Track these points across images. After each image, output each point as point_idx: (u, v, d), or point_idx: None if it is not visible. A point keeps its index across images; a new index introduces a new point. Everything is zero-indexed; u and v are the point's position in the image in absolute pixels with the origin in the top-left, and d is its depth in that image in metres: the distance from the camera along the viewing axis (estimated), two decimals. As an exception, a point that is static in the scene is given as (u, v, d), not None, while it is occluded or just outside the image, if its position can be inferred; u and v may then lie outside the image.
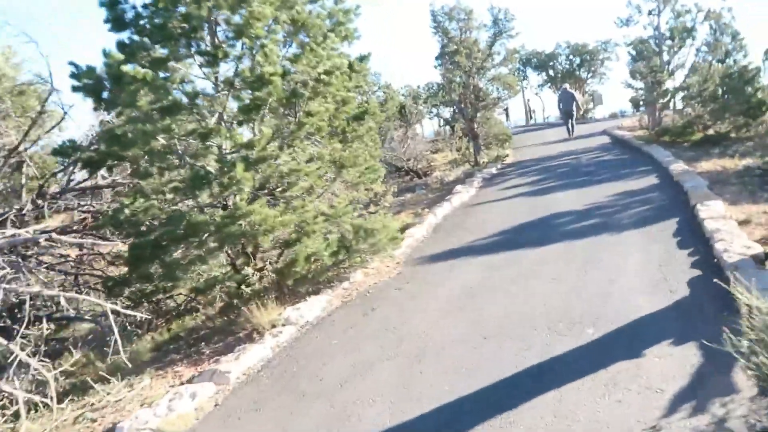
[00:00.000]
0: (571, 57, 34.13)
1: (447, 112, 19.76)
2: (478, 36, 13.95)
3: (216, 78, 5.76)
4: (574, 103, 17.73)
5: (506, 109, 25.87)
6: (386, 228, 5.88)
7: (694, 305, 4.07)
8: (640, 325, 3.88)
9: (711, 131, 12.96)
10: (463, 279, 5.62)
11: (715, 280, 3.46)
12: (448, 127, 21.02)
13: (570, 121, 17.84)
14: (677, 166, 9.46)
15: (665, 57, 13.83)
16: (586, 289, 4.77)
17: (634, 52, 29.28)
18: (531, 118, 34.00)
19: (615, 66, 34.50)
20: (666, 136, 13.36)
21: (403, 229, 8.55)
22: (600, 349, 3.64)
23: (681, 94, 13.16)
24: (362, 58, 6.32)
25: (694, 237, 5.71)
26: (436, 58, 14.38)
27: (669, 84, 14.00)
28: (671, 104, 14.52)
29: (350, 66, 6.12)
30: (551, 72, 35.11)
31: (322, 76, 5.18)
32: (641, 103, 28.71)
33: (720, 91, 12.69)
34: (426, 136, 25.83)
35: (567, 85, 19.51)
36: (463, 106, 14.50)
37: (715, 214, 6.08)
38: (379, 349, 4.22)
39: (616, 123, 21.56)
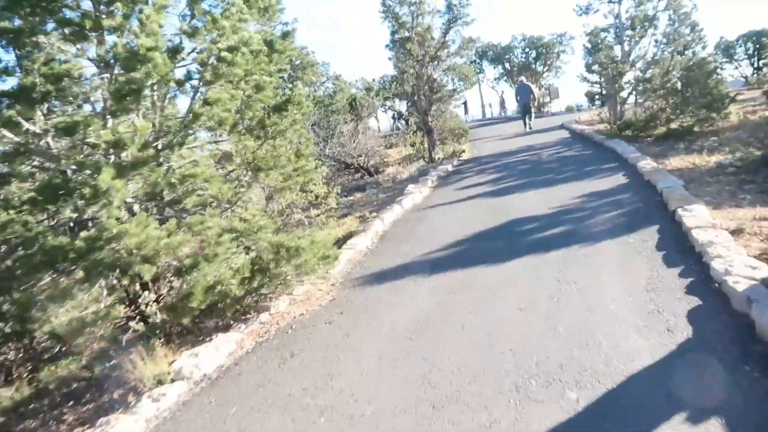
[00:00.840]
0: (527, 50, 33.74)
1: (401, 105, 18.70)
2: (431, 22, 12.91)
3: (100, 57, 4.48)
4: (531, 95, 17.48)
5: (465, 103, 25.04)
6: (315, 245, 4.73)
7: (703, 352, 3.12)
8: (640, 386, 2.89)
9: (674, 125, 12.39)
10: (410, 308, 4.55)
11: None
12: (402, 121, 19.99)
13: (527, 114, 17.56)
14: (645, 164, 8.69)
15: (626, 47, 13.17)
16: (562, 323, 3.77)
17: (590, 45, 29.03)
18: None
19: (571, 59, 34.31)
20: (628, 130, 12.71)
21: (346, 238, 7.44)
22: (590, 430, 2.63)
23: (642, 86, 12.48)
24: (285, 35, 5.14)
25: (682, 250, 4.82)
26: (386, 46, 13.27)
27: (630, 75, 13.34)
28: (632, 97, 13.91)
29: (270, 44, 4.93)
30: (507, 65, 34.64)
31: (224, 54, 3.97)
32: (598, 96, 28.38)
33: (680, 84, 12.10)
34: (382, 131, 24.78)
35: (523, 78, 19.26)
36: (416, 98, 13.46)
37: (702, 222, 5.21)
38: (290, 425, 3.09)
39: (573, 117, 21.07)
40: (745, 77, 28.66)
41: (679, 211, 5.70)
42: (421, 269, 5.46)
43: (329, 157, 14.28)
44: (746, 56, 30.46)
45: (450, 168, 12.30)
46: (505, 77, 34.98)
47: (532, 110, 17.80)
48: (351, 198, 12.08)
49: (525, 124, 17.58)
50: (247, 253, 4.42)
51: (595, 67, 13.34)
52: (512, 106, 31.85)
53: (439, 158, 13.75)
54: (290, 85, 9.78)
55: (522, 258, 5.31)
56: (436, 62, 13.38)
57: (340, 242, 7.43)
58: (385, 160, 18.10)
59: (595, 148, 12.00)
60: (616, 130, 12.92)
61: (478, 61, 34.48)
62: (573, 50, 32.07)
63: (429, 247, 6.25)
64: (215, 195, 4.49)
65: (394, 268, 5.69)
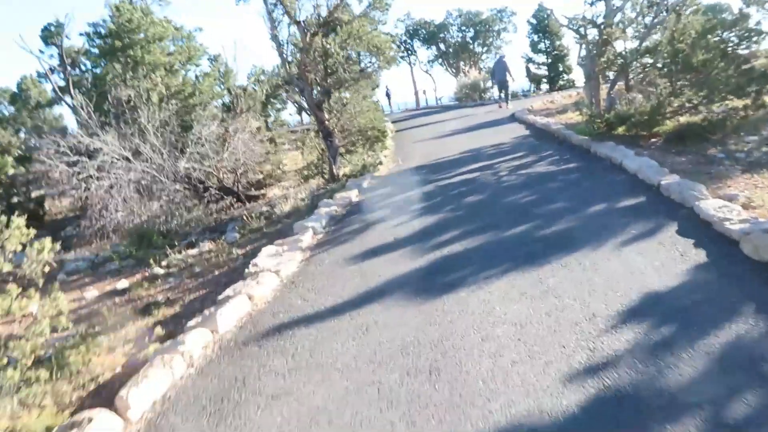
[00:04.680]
0: (463, 28, 29.52)
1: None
2: (320, -38, 8.10)
3: None
4: (507, 72, 16.20)
5: (387, 92, 20.10)
6: None
7: None
8: None
9: (686, 118, 8.28)
10: None
11: None
12: (306, 116, 15.10)
13: (504, 91, 16.79)
14: (712, 206, 4.34)
15: (613, 3, 8.84)
16: None
17: (534, 21, 24.99)
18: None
19: (513, 38, 30.52)
20: (622, 126, 8.47)
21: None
22: None
23: (642, 60, 8.24)
24: None
25: None
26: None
27: (618, 46, 9.08)
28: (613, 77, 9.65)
29: None
30: (442, 46, 30.33)
31: None
32: (545, 80, 24.43)
33: (699, 56, 7.89)
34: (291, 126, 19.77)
35: (503, 55, 17.21)
36: (305, 84, 8.64)
37: None
38: None
39: (522, 104, 16.91)
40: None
41: None
42: None
43: (180, 179, 9.25)
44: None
45: (355, 196, 7.60)
46: (440, 60, 30.70)
47: (509, 88, 17.05)
48: (194, 252, 7.25)
49: (500, 103, 16.89)
50: None
51: (576, 33, 8.93)
52: (448, 93, 27.64)
53: (344, 175, 9.05)
54: None
55: None
56: (331, 27, 8.60)
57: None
58: (282, 169, 13.28)
59: (580, 158, 7.65)
60: (603, 126, 8.63)
61: (408, 41, 29.99)
62: (515, 27, 28.21)
63: None
64: None
65: None
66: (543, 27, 23.94)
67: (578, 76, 23.66)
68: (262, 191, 10.02)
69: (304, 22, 7.90)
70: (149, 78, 10.96)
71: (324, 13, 8.63)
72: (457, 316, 3.39)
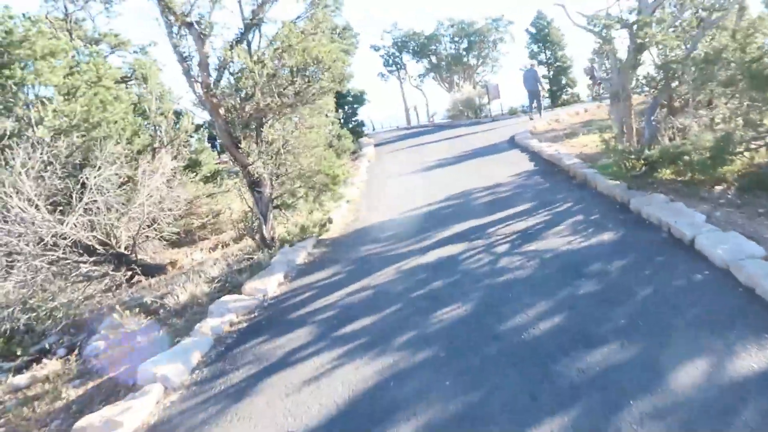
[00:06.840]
0: (456, 39, 27.07)
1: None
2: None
3: None
4: (538, 83, 15.32)
5: (355, 116, 16.77)
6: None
7: None
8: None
9: (761, 153, 5.69)
10: None
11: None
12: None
13: (535, 101, 15.71)
14: None
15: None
16: None
17: (534, 30, 22.50)
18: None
19: (510, 50, 28.09)
20: (668, 167, 5.88)
21: None
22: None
23: (698, 68, 5.65)
24: None
25: None
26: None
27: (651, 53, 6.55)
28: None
29: None
30: (434, 58, 27.84)
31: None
32: (546, 94, 21.85)
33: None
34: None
35: (533, 63, 16.27)
36: (215, 114, 6.07)
37: None
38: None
39: (522, 125, 14.39)
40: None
41: None
42: None
43: (52, 246, 6.58)
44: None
45: (275, 286, 4.98)
46: (432, 73, 28.21)
47: (541, 99, 16.07)
48: (23, 379, 4.71)
49: (531, 113, 15.87)
50: None
51: (598, 35, 6.37)
52: (441, 108, 25.19)
53: (278, 238, 6.43)
54: None
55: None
56: (255, 29, 6.07)
57: None
58: (230, 214, 10.76)
59: (617, 221, 5.02)
60: (640, 166, 6.01)
61: (396, 53, 27.55)
62: (513, 38, 25.66)
63: None
64: None
65: None
66: (543, 36, 21.53)
67: (582, 89, 21.14)
68: (175, 257, 7.39)
69: (197, 23, 5.34)
70: (39, 105, 8.41)
71: (247, 13, 6.11)
72: None
